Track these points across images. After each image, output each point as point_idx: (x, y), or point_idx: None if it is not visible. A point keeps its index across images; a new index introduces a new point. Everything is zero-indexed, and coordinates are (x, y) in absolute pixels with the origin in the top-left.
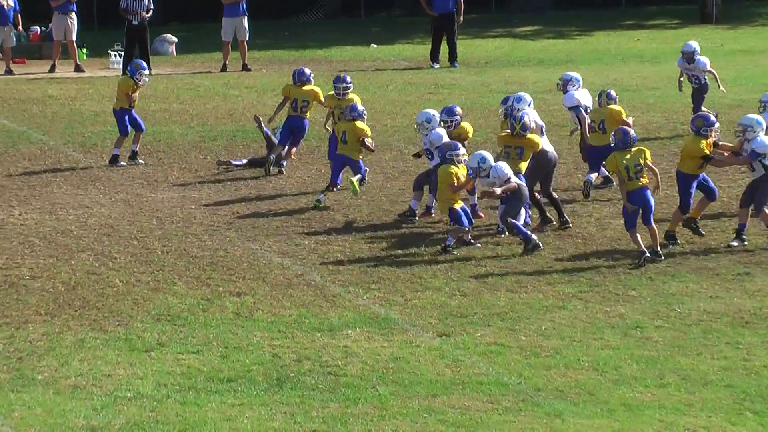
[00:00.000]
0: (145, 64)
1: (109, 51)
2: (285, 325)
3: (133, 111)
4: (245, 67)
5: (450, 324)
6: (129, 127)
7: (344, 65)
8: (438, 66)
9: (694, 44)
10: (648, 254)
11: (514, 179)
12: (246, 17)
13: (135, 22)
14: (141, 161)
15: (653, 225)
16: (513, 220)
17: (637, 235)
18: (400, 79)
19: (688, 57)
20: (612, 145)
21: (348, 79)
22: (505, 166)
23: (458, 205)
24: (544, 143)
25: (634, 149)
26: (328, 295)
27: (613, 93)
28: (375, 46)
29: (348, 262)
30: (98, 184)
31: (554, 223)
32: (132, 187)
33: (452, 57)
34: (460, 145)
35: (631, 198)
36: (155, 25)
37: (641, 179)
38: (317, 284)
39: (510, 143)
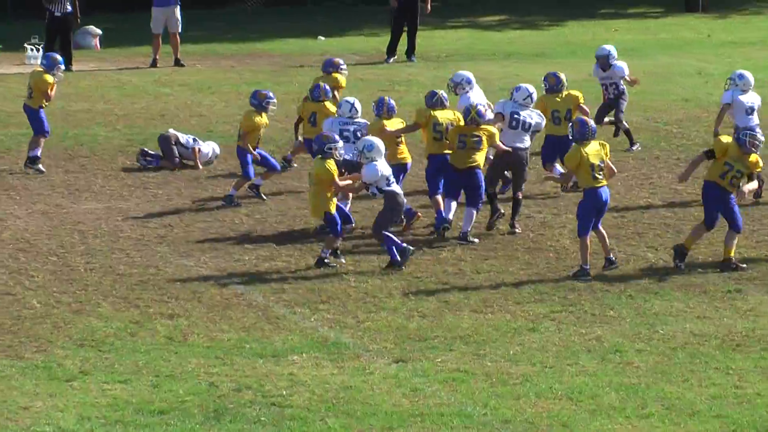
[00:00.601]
0: (60, 58)
1: (26, 45)
2: (223, 351)
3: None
4: (177, 62)
5: (408, 348)
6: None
7: (288, 60)
8: (393, 60)
9: (609, 47)
10: (586, 272)
11: (393, 188)
12: (178, 7)
13: (57, 14)
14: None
15: (601, 229)
16: (386, 233)
17: (588, 245)
18: (351, 75)
19: (603, 63)
20: (570, 137)
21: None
22: (381, 168)
23: (333, 208)
24: (515, 140)
25: (596, 143)
26: (271, 317)
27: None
28: (323, 38)
29: (293, 279)
30: (13, 194)
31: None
32: (51, 197)
33: (410, 50)
34: (338, 137)
35: (589, 197)
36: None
37: (603, 178)
38: (259, 305)
39: (466, 132)
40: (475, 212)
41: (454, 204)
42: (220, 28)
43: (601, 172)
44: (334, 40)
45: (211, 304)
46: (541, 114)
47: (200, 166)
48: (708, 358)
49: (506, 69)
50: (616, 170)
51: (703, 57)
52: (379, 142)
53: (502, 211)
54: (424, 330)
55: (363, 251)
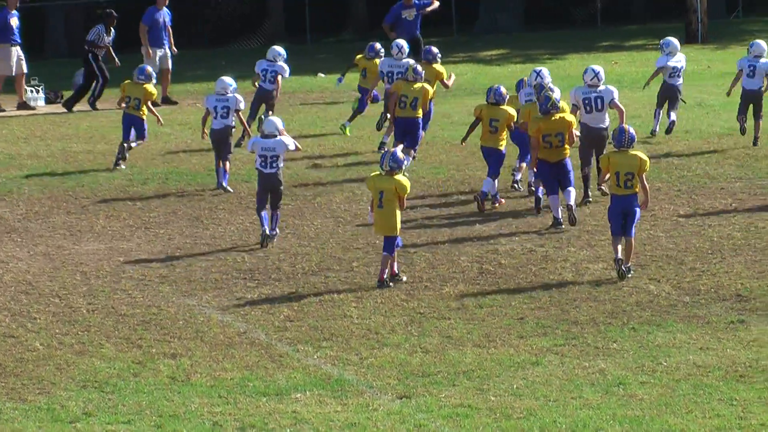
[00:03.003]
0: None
1: (25, 87)
2: (226, 390)
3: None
4: (167, 100)
5: (411, 384)
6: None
7: (288, 97)
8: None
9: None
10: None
11: None
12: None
13: (101, 56)
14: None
15: (632, 238)
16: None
17: (618, 244)
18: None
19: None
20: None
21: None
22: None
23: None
24: (594, 121)
25: (630, 152)
26: (274, 355)
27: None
28: (323, 75)
29: (296, 317)
30: (14, 236)
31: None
32: (52, 239)
33: None
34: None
35: (612, 201)
36: (76, 56)
37: (631, 188)
38: (262, 343)
39: (549, 131)
40: (573, 190)
41: (556, 198)
42: (221, 67)
43: (628, 182)
44: (335, 77)
45: (213, 343)
46: (611, 88)
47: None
48: (712, 390)
49: (507, 103)
50: (648, 187)
51: (703, 88)
52: (276, 121)
53: (590, 198)
54: (427, 365)
55: (364, 287)
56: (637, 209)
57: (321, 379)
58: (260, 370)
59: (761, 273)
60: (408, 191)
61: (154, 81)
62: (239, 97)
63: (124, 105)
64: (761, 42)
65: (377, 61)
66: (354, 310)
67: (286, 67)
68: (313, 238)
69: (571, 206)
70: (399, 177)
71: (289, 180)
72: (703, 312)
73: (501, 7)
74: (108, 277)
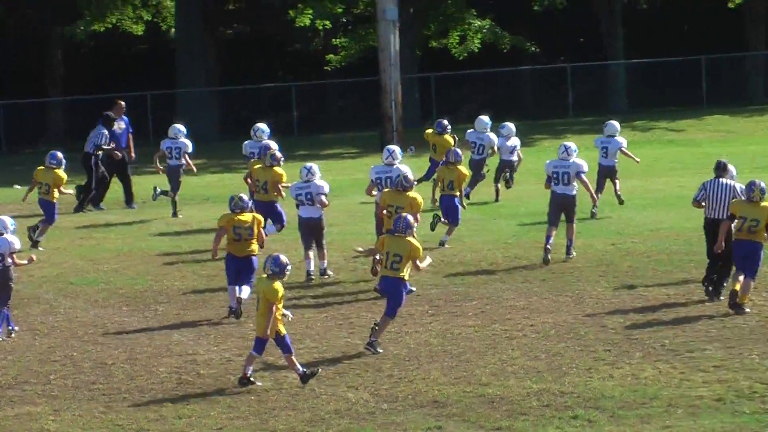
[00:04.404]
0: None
1: None
2: None
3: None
4: None
5: None
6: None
7: None
8: (104, 209)
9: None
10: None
11: None
12: None
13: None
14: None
15: (388, 319)
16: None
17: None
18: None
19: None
20: None
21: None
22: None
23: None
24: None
25: (405, 238)
26: None
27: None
28: (19, 186)
29: None
30: None
31: None
32: None
33: (130, 198)
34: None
35: (380, 282)
36: None
37: (397, 270)
38: None
39: (239, 224)
40: (247, 288)
41: (234, 289)
42: None
43: (395, 264)
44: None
45: None
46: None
47: None
48: None
49: (204, 213)
50: (420, 267)
51: None
52: (5, 220)
53: None
54: None
55: (62, 400)
56: (403, 292)
57: None
58: None
59: (457, 379)
60: (278, 298)
61: (64, 166)
62: None
63: (36, 189)
64: (614, 122)
65: (446, 136)
66: (52, 423)
67: (188, 142)
68: (10, 351)
69: (241, 299)
70: (275, 284)
71: None
72: (400, 419)
73: (196, 116)
74: None
